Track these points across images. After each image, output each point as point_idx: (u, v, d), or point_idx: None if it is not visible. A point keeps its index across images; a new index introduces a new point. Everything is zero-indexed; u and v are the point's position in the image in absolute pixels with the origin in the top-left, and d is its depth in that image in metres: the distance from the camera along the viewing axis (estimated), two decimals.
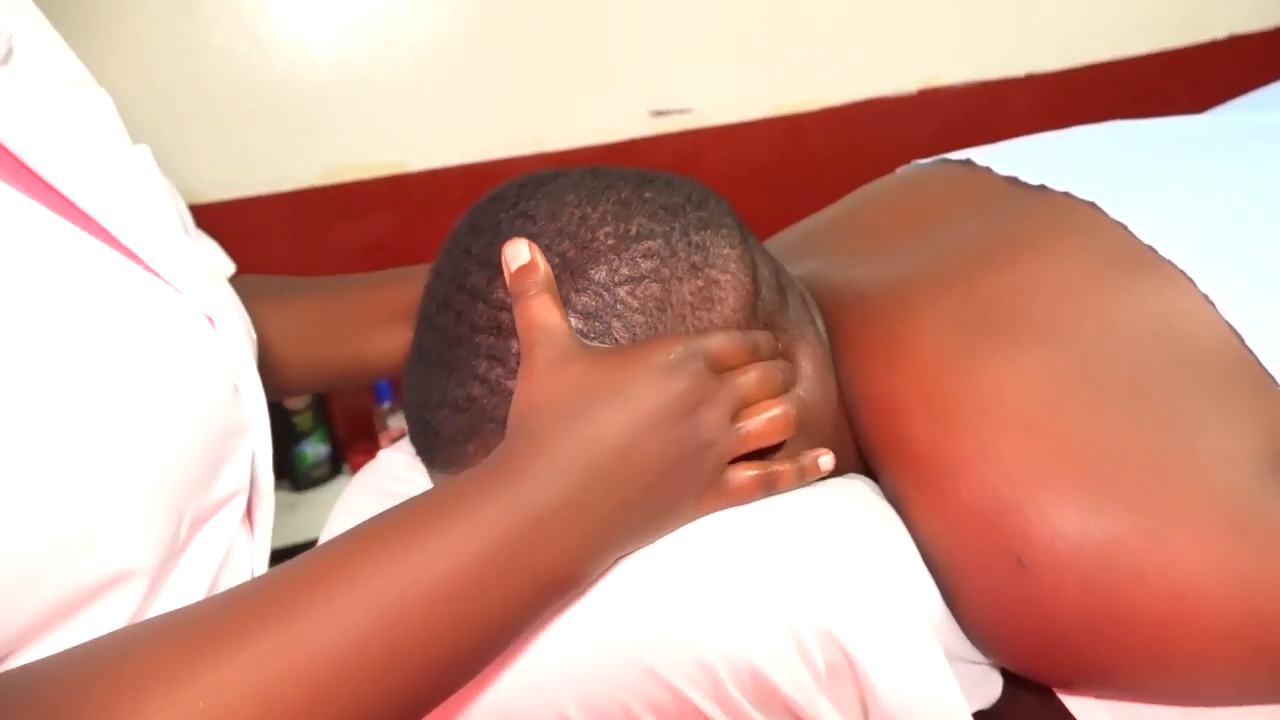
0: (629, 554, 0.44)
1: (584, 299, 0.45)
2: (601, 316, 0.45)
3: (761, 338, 0.48)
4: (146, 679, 0.32)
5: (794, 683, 0.42)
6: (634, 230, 0.46)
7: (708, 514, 0.45)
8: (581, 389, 0.41)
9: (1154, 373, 0.46)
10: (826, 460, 0.49)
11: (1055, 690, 0.48)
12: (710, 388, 0.44)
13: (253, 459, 0.50)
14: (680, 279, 0.46)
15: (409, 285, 0.61)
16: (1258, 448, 0.44)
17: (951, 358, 0.48)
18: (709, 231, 0.48)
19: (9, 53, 0.48)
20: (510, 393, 0.45)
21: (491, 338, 0.46)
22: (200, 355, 0.46)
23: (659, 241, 0.46)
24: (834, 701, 0.43)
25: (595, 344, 0.45)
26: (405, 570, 0.36)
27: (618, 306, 0.45)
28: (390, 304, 0.66)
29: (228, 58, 1.25)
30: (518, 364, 0.45)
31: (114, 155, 0.51)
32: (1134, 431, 0.44)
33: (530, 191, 0.48)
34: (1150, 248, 0.50)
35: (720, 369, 0.45)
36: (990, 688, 0.49)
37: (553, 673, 0.41)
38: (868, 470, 0.53)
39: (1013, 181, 0.59)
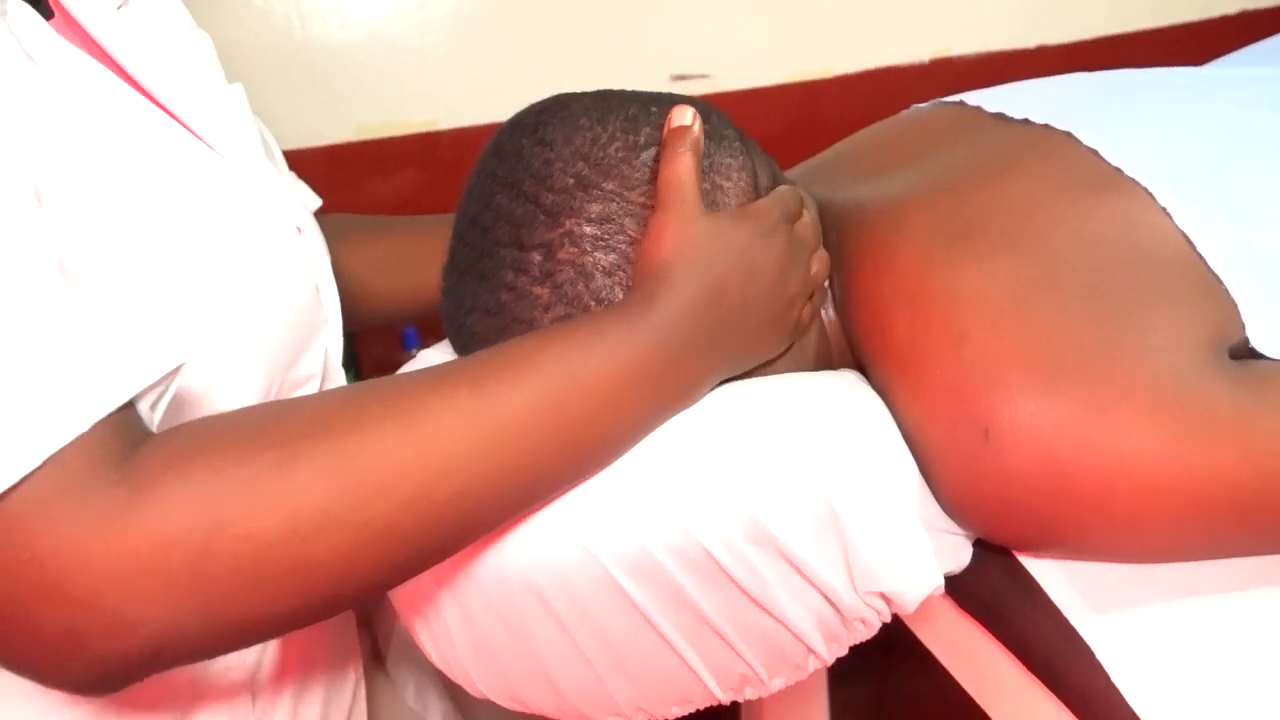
0: (720, 379, 0.52)
1: (596, 206, 0.51)
2: (614, 218, 0.51)
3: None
4: (375, 425, 0.41)
5: (787, 530, 0.48)
6: (641, 140, 0.52)
7: (785, 345, 0.55)
8: (701, 245, 0.49)
9: (1112, 274, 0.52)
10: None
11: (1016, 554, 0.54)
12: (796, 245, 0.54)
13: (326, 352, 0.57)
14: None
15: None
16: (1201, 340, 0.50)
17: (933, 262, 0.54)
18: (712, 142, 0.54)
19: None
20: (534, 296, 0.51)
21: (515, 251, 0.52)
22: (291, 256, 0.54)
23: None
24: (821, 549, 0.49)
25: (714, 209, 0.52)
26: (575, 365, 0.45)
27: (630, 207, 0.51)
28: (443, 244, 0.73)
29: (266, 18, 1.31)
30: (541, 273, 0.51)
31: (215, 88, 0.59)
32: (1091, 323, 0.50)
33: (548, 118, 0.54)
34: (1117, 169, 0.56)
35: (792, 221, 0.54)
36: (961, 554, 0.55)
37: (581, 513, 0.48)
38: (859, 367, 0.59)
39: (1000, 117, 0.65)
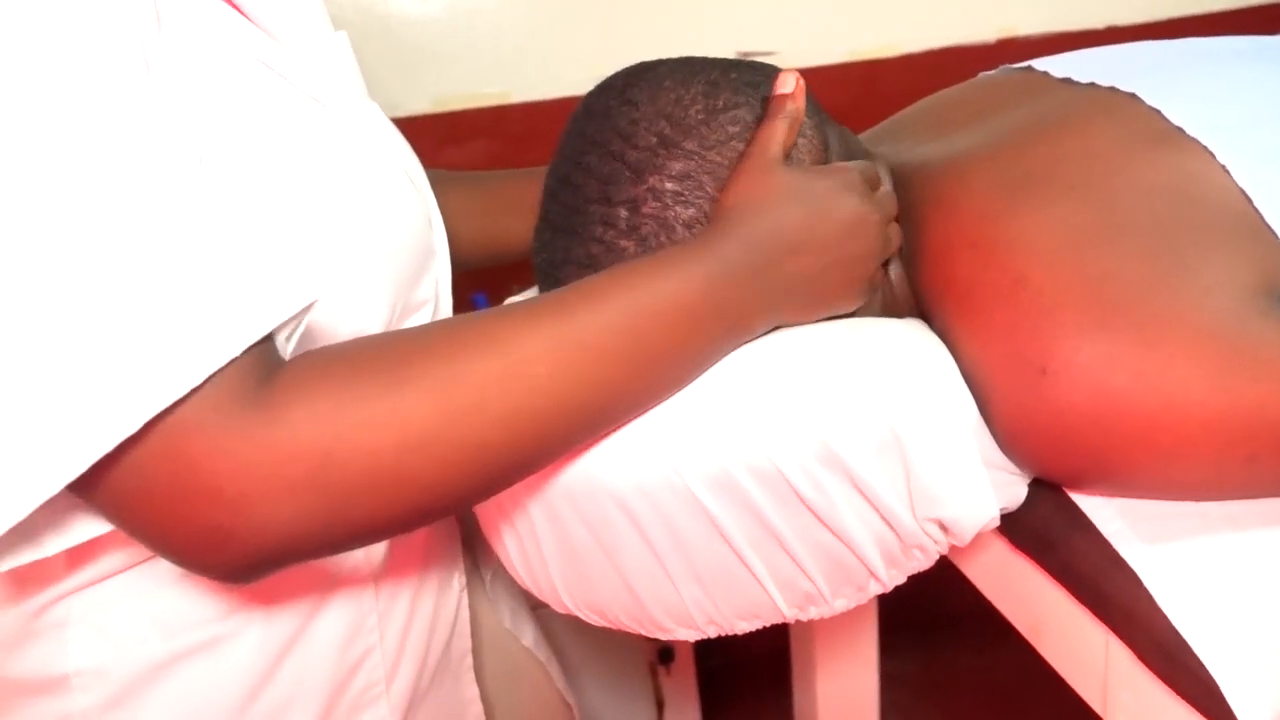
0: (801, 324, 0.56)
1: (677, 164, 0.55)
2: (693, 176, 0.55)
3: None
4: (470, 351, 0.46)
5: (854, 454, 0.52)
6: (721, 104, 0.56)
7: (854, 303, 0.57)
8: (776, 192, 0.53)
9: (1166, 221, 0.55)
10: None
11: (1068, 490, 0.57)
12: (872, 205, 0.56)
13: (437, 282, 0.62)
14: None
15: (539, 181, 0.73)
16: (1252, 284, 0.53)
17: (995, 210, 0.57)
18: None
19: None
20: (621, 250, 0.55)
21: (604, 207, 0.56)
22: (406, 192, 0.59)
23: (744, 110, 0.57)
24: (885, 473, 0.53)
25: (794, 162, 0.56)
26: (646, 294, 0.50)
27: (708, 165, 0.55)
28: (531, 195, 0.78)
29: None
30: (627, 227, 0.55)
31: (324, 38, 0.64)
32: (1144, 266, 0.53)
33: (635, 80, 0.58)
34: (1179, 128, 0.59)
35: (873, 187, 0.58)
36: (1016, 492, 0.58)
37: (670, 436, 0.52)
38: (923, 317, 0.62)
39: (1067, 81, 0.67)
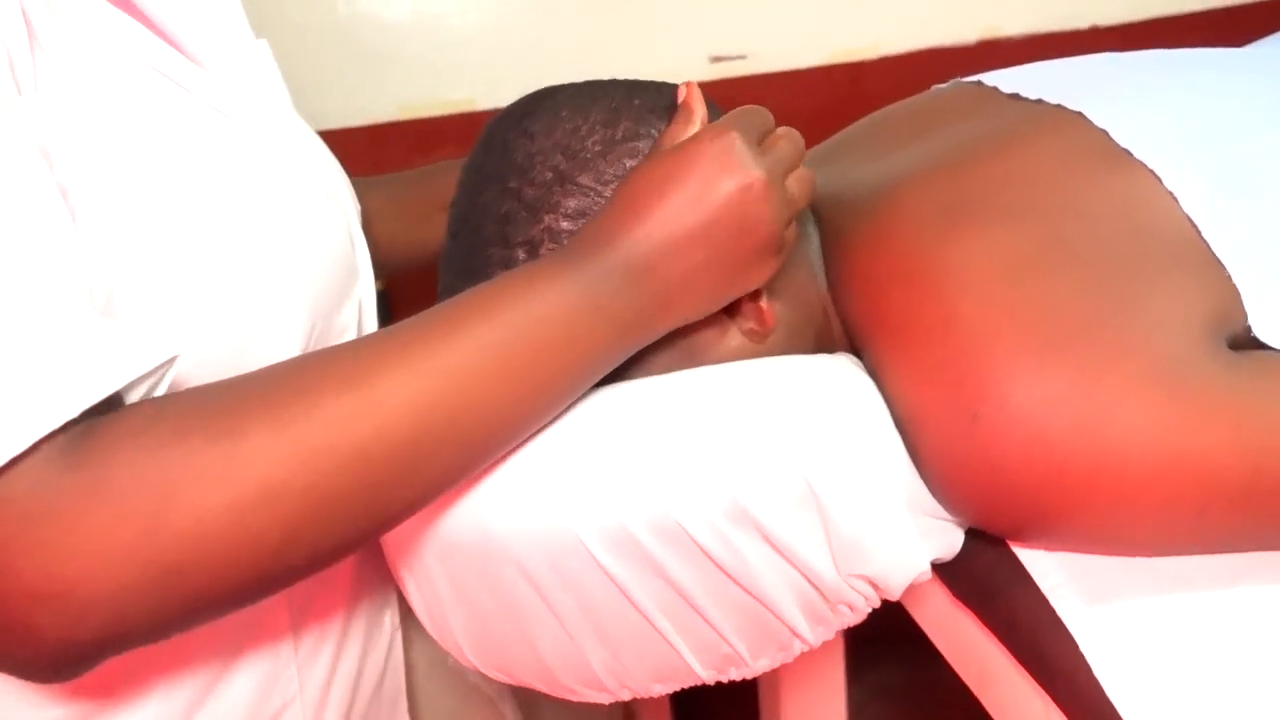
0: (700, 314, 0.51)
1: (572, 201, 0.52)
2: (588, 213, 0.51)
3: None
4: (315, 388, 0.41)
5: (765, 510, 0.48)
6: (620, 134, 0.53)
7: (768, 277, 0.52)
8: (659, 176, 0.48)
9: (1111, 250, 0.50)
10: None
11: (1008, 542, 0.53)
12: (759, 169, 0.49)
13: (360, 307, 0.59)
14: None
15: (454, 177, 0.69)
16: (1200, 321, 0.49)
17: (928, 237, 0.53)
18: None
19: None
20: None
21: (502, 249, 0.53)
22: (323, 208, 0.55)
23: (644, 141, 0.53)
24: (801, 529, 0.49)
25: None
26: (515, 308, 0.45)
27: (603, 202, 0.51)
28: (448, 192, 0.74)
29: None
30: None
31: (242, 46, 0.61)
32: (1085, 299, 0.49)
33: (532, 109, 0.55)
34: (1126, 150, 0.55)
35: (759, 136, 0.51)
36: (951, 540, 0.54)
37: (570, 493, 0.48)
38: (853, 350, 0.58)
39: (1015, 97, 0.63)
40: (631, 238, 0.47)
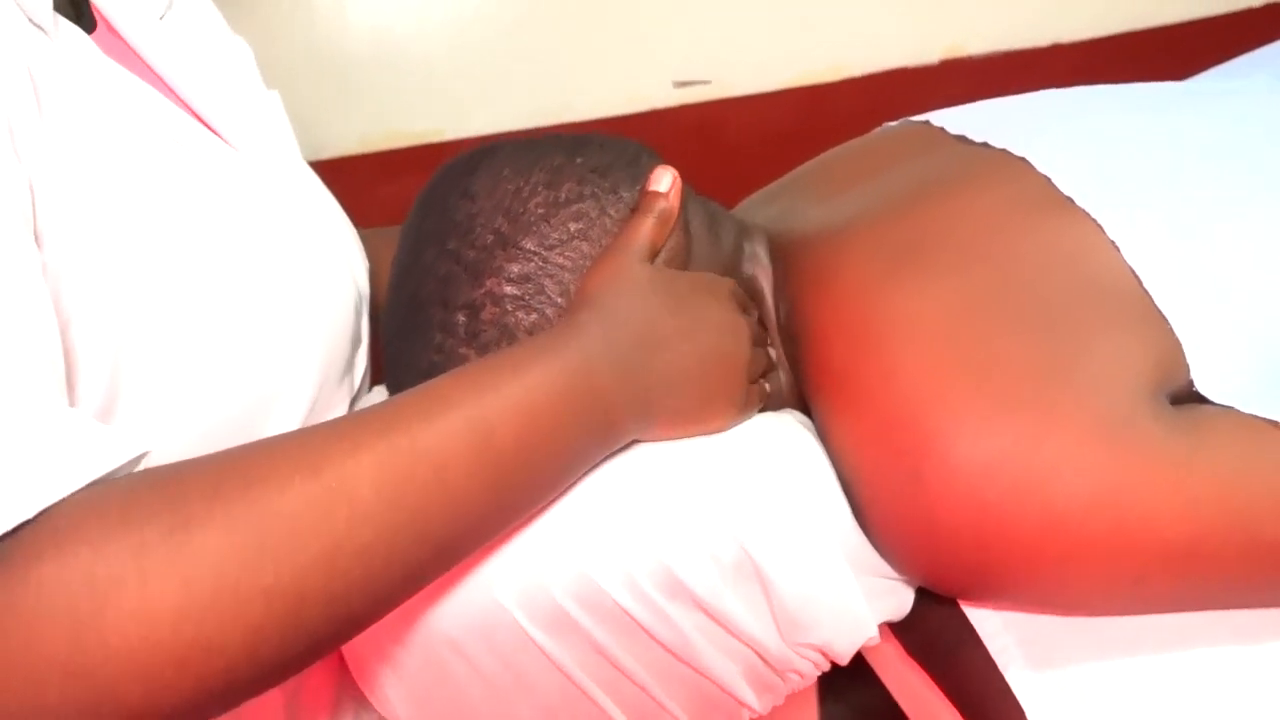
0: (669, 439, 0.50)
1: (515, 266, 0.50)
2: (534, 279, 0.50)
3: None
4: (277, 470, 0.38)
5: (701, 579, 0.47)
6: (563, 196, 0.51)
7: (729, 420, 0.52)
8: (641, 285, 0.49)
9: (1054, 303, 0.50)
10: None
11: (958, 601, 0.52)
12: (744, 318, 0.53)
13: (357, 376, 0.57)
14: (610, 234, 0.51)
15: None
16: (1142, 374, 0.48)
17: (870, 285, 0.52)
18: (639, 187, 0.53)
19: (169, 6, 0.57)
20: (461, 357, 0.50)
21: (442, 312, 0.51)
22: (338, 278, 0.54)
23: (589, 203, 0.52)
24: (741, 599, 0.48)
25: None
26: (497, 395, 0.43)
27: (549, 268, 0.50)
28: None
29: (268, 30, 1.32)
30: (466, 334, 0.51)
31: (251, 95, 0.59)
32: (1027, 355, 0.48)
33: (474, 168, 0.53)
34: (1069, 198, 0.54)
35: (743, 309, 0.54)
36: (900, 601, 0.53)
37: (488, 563, 0.47)
38: (803, 405, 0.57)
39: (961, 139, 0.63)
40: (621, 326, 0.47)
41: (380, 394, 0.64)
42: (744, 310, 0.54)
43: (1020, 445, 0.46)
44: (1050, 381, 0.47)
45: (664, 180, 0.53)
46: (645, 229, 0.51)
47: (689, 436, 0.51)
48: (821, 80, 1.49)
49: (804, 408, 0.57)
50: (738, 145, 1.51)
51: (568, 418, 0.45)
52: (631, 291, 0.49)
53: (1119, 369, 0.48)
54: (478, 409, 0.42)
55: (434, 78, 1.39)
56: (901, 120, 0.72)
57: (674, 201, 0.52)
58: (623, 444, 0.49)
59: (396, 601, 0.42)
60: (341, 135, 1.39)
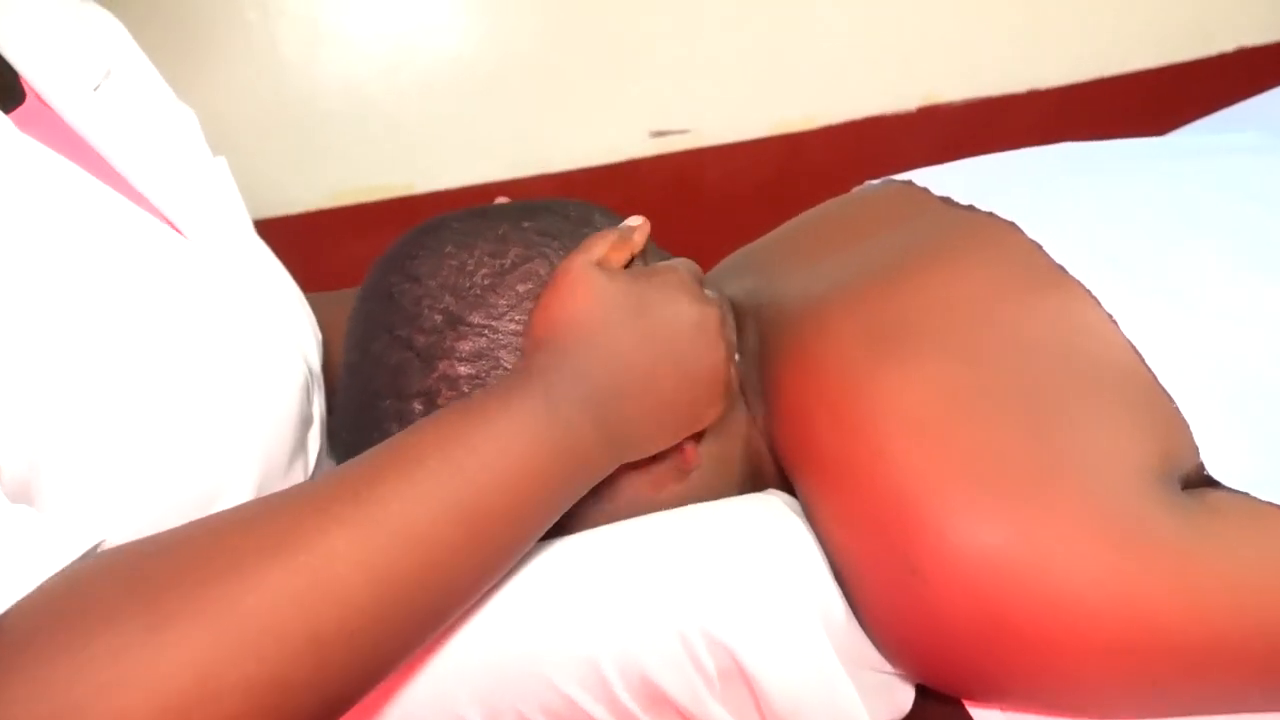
0: (670, 442, 0.49)
1: (466, 344, 0.48)
2: (486, 354, 0.48)
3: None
4: (246, 558, 0.36)
5: (683, 687, 0.43)
6: (509, 261, 0.49)
7: (717, 417, 0.50)
8: (600, 307, 0.46)
9: (1051, 385, 0.47)
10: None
11: (962, 701, 0.49)
12: (710, 305, 0.49)
13: (309, 457, 0.54)
14: None
15: None
16: (1148, 461, 0.45)
17: (857, 367, 0.49)
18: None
19: (107, 74, 0.54)
20: None
21: (397, 402, 0.49)
22: (287, 360, 0.51)
23: (537, 262, 0.49)
24: (728, 705, 0.44)
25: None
26: (473, 453, 0.41)
27: (501, 338, 0.48)
28: None
29: (234, 83, 1.30)
30: None
31: (195, 164, 0.57)
32: (1025, 440, 0.45)
33: (415, 248, 0.51)
34: (1061, 267, 0.51)
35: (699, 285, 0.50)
36: (900, 698, 0.50)
37: (451, 677, 0.43)
38: (787, 484, 0.54)
39: (946, 201, 0.60)
40: (589, 369, 0.45)
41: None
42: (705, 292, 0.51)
43: (1022, 537, 0.43)
44: (1050, 472, 0.44)
45: (635, 219, 0.52)
46: (603, 240, 0.49)
47: (689, 436, 0.49)
48: (800, 128, 1.49)
49: (787, 484, 0.54)
50: (716, 194, 1.50)
51: (546, 471, 0.43)
52: (593, 320, 0.46)
53: (1122, 456, 0.45)
54: (455, 470, 0.41)
55: (405, 131, 1.37)
56: (883, 179, 0.70)
57: (641, 233, 0.51)
58: (615, 465, 0.47)
59: (388, 672, 0.40)
60: (312, 190, 1.37)
